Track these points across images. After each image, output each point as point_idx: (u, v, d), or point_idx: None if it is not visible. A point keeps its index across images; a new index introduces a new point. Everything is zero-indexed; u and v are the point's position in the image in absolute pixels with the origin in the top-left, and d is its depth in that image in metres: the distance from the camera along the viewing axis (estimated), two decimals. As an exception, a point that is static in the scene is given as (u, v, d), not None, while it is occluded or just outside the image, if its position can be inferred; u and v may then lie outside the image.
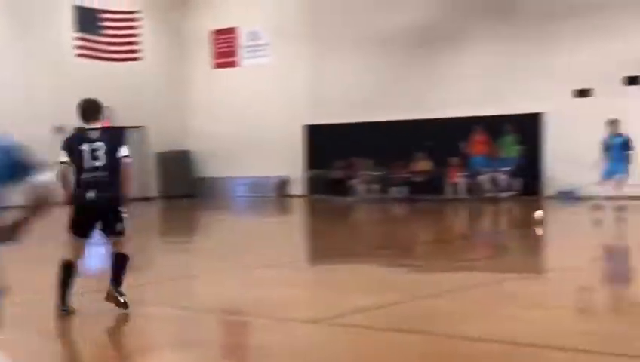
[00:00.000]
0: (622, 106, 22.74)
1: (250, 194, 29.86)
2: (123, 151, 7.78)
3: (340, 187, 27.30)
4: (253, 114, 29.88)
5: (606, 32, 23.73)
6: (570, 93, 24.34)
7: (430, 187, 26.03)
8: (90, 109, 7.86)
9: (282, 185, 29.88)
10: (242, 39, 30.74)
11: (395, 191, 26.53)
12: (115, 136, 8.03)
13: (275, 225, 20.35)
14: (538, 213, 17.65)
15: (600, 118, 23.68)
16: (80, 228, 7.72)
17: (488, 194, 24.91)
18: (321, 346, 6.53)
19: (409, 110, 26.37)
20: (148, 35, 29.06)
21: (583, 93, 24.18)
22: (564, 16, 24.43)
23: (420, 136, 25.71)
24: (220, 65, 31.31)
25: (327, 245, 14.53)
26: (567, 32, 24.34)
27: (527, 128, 24.90)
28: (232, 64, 31.05)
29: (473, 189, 25.42)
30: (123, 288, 7.71)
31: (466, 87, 25.73)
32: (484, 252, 13.47)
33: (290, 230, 19.15)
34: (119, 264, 7.82)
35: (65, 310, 7.63)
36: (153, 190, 29.74)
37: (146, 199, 27.48)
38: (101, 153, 7.68)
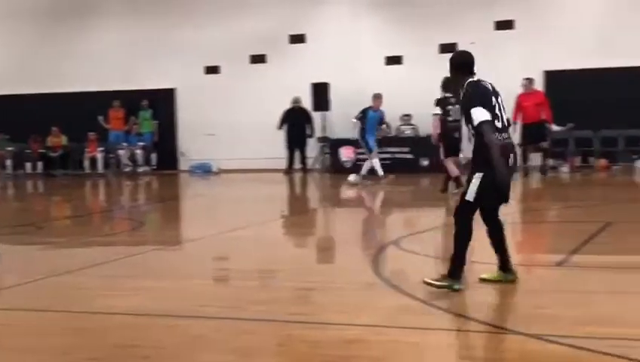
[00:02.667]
0: (248, 83, 24.12)
1: None
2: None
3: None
4: None
5: (235, 10, 24.79)
6: (200, 70, 25.25)
7: (67, 162, 25.79)
8: None
9: None
10: None
11: (30, 167, 25.88)
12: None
13: None
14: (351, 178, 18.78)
15: (227, 94, 24.87)
16: None
17: (126, 169, 25.23)
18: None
19: (44, 84, 25.81)
20: None
21: (211, 70, 25.18)
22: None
23: (56, 110, 25.29)
24: None
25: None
26: (197, 9, 25.13)
27: (161, 104, 25.53)
28: None
29: (111, 164, 25.58)
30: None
31: (101, 61, 25.68)
32: (121, 226, 13.74)
33: None
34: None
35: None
36: None
37: None
38: None
